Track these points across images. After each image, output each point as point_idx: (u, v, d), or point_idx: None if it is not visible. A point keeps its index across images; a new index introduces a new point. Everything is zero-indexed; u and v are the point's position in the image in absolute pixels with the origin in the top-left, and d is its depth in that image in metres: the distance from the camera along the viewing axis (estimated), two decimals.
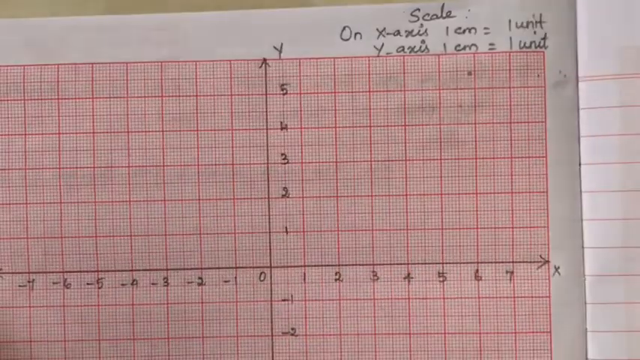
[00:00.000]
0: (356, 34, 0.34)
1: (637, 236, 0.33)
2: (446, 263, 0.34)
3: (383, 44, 0.34)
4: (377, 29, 0.34)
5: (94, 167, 0.34)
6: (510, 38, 0.34)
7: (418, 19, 0.34)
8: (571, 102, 0.34)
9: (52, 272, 0.34)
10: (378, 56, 0.34)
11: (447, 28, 0.34)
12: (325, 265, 0.34)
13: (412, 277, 0.34)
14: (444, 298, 0.34)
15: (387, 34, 0.34)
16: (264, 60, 0.35)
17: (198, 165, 0.34)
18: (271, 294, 0.34)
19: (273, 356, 0.34)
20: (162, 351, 0.34)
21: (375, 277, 0.34)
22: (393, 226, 0.34)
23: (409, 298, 0.34)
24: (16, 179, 0.34)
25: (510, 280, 0.34)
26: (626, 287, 0.33)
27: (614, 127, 0.33)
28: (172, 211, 0.34)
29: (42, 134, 0.34)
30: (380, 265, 0.34)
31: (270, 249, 0.34)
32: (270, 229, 0.34)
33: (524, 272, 0.34)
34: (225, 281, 0.34)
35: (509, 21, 0.34)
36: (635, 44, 0.33)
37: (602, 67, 0.33)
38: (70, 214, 0.34)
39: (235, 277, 0.34)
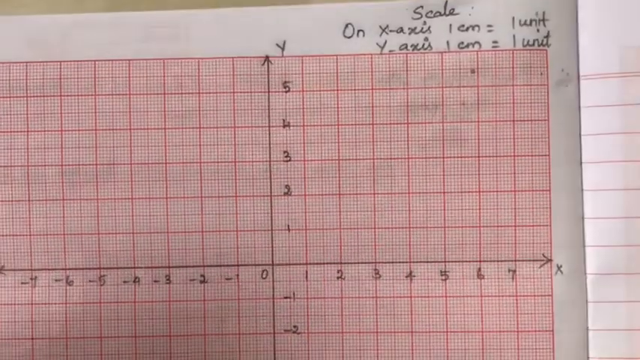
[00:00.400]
0: (359, 31, 0.34)
1: (639, 235, 0.33)
2: (448, 262, 0.34)
3: (386, 42, 0.34)
4: (380, 26, 0.34)
5: (96, 164, 0.34)
6: (514, 36, 0.34)
7: (421, 17, 0.34)
8: (573, 100, 0.34)
9: (55, 269, 0.34)
10: (380, 54, 0.34)
11: (451, 25, 0.34)
12: (327, 263, 0.34)
13: (414, 276, 0.34)
14: (446, 297, 0.34)
15: (390, 31, 0.34)
16: (267, 57, 0.34)
17: (200, 162, 0.34)
18: (273, 291, 0.34)
19: (275, 354, 0.34)
20: (164, 348, 0.34)
21: (377, 275, 0.34)
22: (396, 224, 0.34)
23: (411, 297, 0.34)
24: (18, 176, 0.34)
25: (513, 278, 0.34)
26: (628, 286, 0.33)
27: (615, 126, 0.33)
28: (174, 209, 0.34)
29: (44, 131, 0.34)
30: (382, 263, 0.34)
31: (272, 247, 0.34)
32: (272, 226, 0.34)
33: (527, 271, 0.34)
34: (228, 279, 0.34)
35: (513, 18, 0.34)
36: (636, 43, 0.33)
37: (604, 65, 0.33)
38: (72, 212, 0.34)
39: (237, 275, 0.34)
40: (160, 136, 0.34)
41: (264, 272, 0.34)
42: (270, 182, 0.34)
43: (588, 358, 0.34)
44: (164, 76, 0.34)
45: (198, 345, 0.34)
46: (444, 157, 0.34)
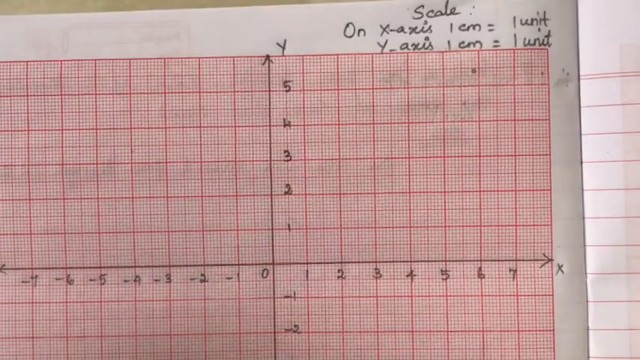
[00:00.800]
0: (359, 30, 0.34)
1: (639, 235, 0.33)
2: (449, 261, 0.34)
3: (387, 41, 0.34)
4: (380, 26, 0.34)
5: (96, 163, 0.34)
6: (515, 35, 0.34)
7: (422, 16, 0.34)
8: (574, 100, 0.34)
9: (55, 268, 0.34)
10: (381, 53, 0.34)
11: (451, 24, 0.34)
12: (328, 263, 0.34)
13: (415, 275, 0.34)
14: (446, 296, 0.34)
15: (391, 30, 0.34)
16: (268, 57, 0.34)
17: (201, 162, 0.34)
18: (274, 291, 0.34)
19: (275, 353, 0.34)
20: (164, 347, 0.34)
21: (378, 275, 0.34)
22: (396, 223, 0.34)
23: (412, 296, 0.34)
24: (19, 175, 0.34)
25: (513, 278, 0.34)
26: (628, 285, 0.33)
27: (616, 125, 0.33)
28: (175, 208, 0.34)
29: (45, 130, 0.34)
30: (383, 262, 0.34)
31: (272, 246, 0.34)
32: (272, 226, 0.34)
33: (528, 270, 0.34)
34: (228, 278, 0.34)
35: (514, 18, 0.34)
36: (636, 43, 0.33)
37: (604, 65, 0.33)
38: (73, 211, 0.34)
39: (238, 274, 0.34)
40: (160, 136, 0.34)
41: (265, 271, 0.34)
42: (271, 181, 0.34)
43: (589, 357, 0.34)
44: (164, 76, 0.34)
45: (198, 344, 0.34)
46: (444, 157, 0.34)
